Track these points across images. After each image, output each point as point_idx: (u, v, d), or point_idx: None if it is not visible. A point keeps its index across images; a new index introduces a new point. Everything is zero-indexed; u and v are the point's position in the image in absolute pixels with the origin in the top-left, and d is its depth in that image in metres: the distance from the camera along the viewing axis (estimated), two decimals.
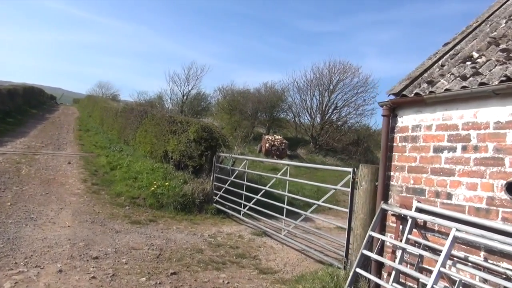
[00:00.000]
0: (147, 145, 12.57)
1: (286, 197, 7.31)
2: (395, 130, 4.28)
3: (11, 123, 22.61)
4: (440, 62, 4.23)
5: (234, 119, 37.09)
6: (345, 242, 5.08)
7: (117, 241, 6.02)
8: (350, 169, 5.08)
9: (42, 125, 24.86)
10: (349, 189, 5.08)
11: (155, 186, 9.35)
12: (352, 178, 5.07)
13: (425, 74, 4.16)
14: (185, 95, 47.45)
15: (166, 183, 9.48)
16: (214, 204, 9.33)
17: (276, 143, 29.95)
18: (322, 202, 6.13)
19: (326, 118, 38.26)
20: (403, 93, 4.07)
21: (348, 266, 4.87)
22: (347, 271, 4.84)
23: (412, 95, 3.97)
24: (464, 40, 4.37)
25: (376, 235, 4.06)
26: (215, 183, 9.55)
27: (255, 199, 7.82)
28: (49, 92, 63.71)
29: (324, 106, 38.42)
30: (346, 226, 5.39)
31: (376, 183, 4.55)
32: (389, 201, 4.23)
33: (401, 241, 3.87)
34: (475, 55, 3.86)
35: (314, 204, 6.60)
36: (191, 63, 64.50)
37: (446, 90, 3.61)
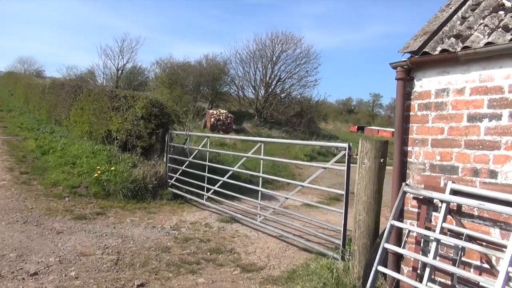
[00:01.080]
0: (84, 125, 10.99)
1: (260, 178, 6.42)
2: (412, 97, 3.56)
3: None
4: (459, 14, 3.52)
5: (175, 94, 35.24)
6: (342, 229, 4.37)
7: (60, 245, 4.81)
8: (345, 145, 4.30)
9: None
10: (344, 168, 4.31)
11: (98, 172, 8.05)
12: (348, 154, 4.30)
13: (445, 28, 3.44)
14: (120, 69, 44.33)
15: (112, 168, 8.21)
16: (170, 189, 8.26)
17: (221, 117, 28.88)
18: (308, 183, 5.34)
19: (270, 90, 37.68)
20: (424, 50, 3.32)
21: (348, 257, 4.19)
22: (346, 262, 4.17)
23: (437, 52, 3.24)
24: None
25: (399, 224, 3.35)
26: (169, 164, 8.45)
27: (221, 181, 6.88)
28: None
29: (267, 78, 37.74)
30: (337, 210, 4.69)
31: (381, 160, 3.84)
32: (407, 182, 3.54)
33: (429, 229, 3.20)
34: (507, 3, 3.19)
35: (292, 183, 5.83)
36: (124, 35, 60.06)
37: (488, 44, 2.90)
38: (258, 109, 36.87)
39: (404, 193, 3.41)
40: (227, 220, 6.85)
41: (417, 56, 3.40)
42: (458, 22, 3.44)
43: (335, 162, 4.83)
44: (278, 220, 6.01)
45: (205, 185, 7.30)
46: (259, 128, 32.74)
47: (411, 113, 3.60)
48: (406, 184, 3.43)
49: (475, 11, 3.43)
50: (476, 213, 3.03)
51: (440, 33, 3.43)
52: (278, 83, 38.12)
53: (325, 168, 4.81)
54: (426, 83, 3.45)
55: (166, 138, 8.52)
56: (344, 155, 4.37)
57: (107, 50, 42.62)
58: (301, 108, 39.37)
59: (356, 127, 57.02)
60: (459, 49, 3.11)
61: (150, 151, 8.82)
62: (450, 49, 3.16)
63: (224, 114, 29.00)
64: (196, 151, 7.68)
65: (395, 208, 3.35)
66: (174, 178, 8.22)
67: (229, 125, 28.82)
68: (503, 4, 3.24)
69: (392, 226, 3.32)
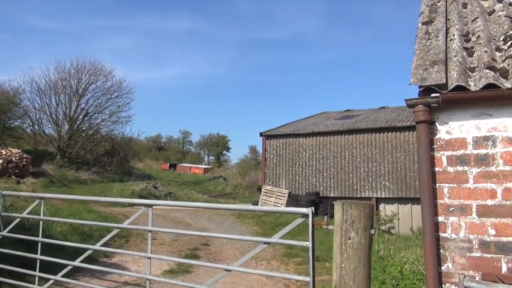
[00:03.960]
0: None
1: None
2: (436, 146, 2.70)
3: None
4: (456, 43, 2.91)
5: None
6: None
7: None
8: (305, 210, 3.09)
9: None
10: (306, 244, 3.09)
11: None
12: (311, 222, 3.07)
13: (457, 58, 2.76)
14: None
15: None
16: None
17: (14, 159, 23.22)
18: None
19: (75, 126, 33.15)
20: (459, 83, 2.52)
21: None
22: None
23: (478, 87, 2.48)
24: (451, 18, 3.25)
25: None
26: None
27: (69, 267, 4.57)
28: None
29: (72, 112, 33.19)
30: None
31: (372, 232, 2.82)
32: (443, 267, 2.58)
33: None
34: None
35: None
36: None
37: None
38: (61, 147, 31.72)
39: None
40: None
41: (450, 92, 2.57)
42: (465, 53, 2.83)
43: None
44: None
45: (37, 273, 4.78)
46: (64, 169, 27.97)
47: (437, 169, 2.74)
48: (465, 276, 2.43)
49: (480, 40, 2.88)
50: None
51: (454, 65, 2.73)
52: (86, 118, 34.02)
53: (268, 243, 3.46)
54: (457, 129, 2.68)
55: None
56: (304, 224, 3.16)
57: None
58: (112, 146, 36.00)
59: (168, 164, 56.12)
60: (509, 85, 2.44)
61: None
62: (497, 83, 2.46)
63: (17, 155, 23.44)
64: (17, 220, 5.07)
65: None
66: None
67: (24, 167, 23.40)
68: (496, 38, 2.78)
69: None
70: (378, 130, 18.95)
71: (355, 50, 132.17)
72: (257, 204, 20.51)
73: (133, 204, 14.74)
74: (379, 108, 26.07)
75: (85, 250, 4.65)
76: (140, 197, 22.70)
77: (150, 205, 3.81)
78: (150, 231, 3.87)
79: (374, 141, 18.98)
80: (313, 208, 3.11)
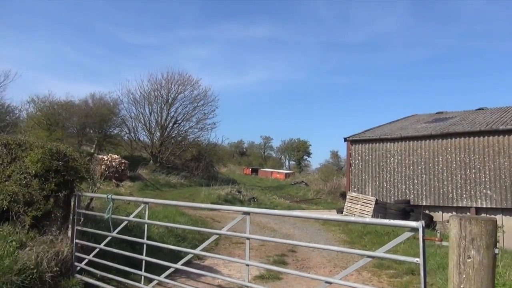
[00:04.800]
0: None
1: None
2: None
3: None
4: None
5: (55, 136, 30.53)
6: None
7: None
8: (415, 223, 2.87)
9: None
10: (417, 260, 2.87)
11: None
12: (422, 239, 2.86)
13: None
14: None
15: None
16: (79, 276, 5.82)
17: (114, 164, 25.50)
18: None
19: (166, 133, 35.42)
20: None
21: None
22: None
23: None
24: None
25: None
26: (77, 241, 6.02)
27: (171, 269, 4.83)
28: None
29: (163, 120, 35.54)
30: None
31: (496, 251, 2.52)
32: None
33: None
34: None
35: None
36: None
37: None
38: (153, 153, 34.14)
39: None
40: None
41: None
42: None
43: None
44: None
45: (143, 273, 5.14)
46: (156, 174, 30.02)
47: None
48: None
49: None
50: None
51: None
52: (175, 126, 36.18)
53: (373, 257, 3.31)
54: None
55: (73, 203, 6.13)
56: (395, 234, 2.94)
57: None
58: (198, 152, 37.78)
59: (250, 169, 57.27)
60: None
61: (46, 221, 6.27)
62: None
63: (117, 160, 25.73)
64: (125, 223, 5.51)
65: None
66: (86, 260, 5.82)
67: (123, 172, 25.60)
68: None
69: None
70: (477, 134, 17.28)
71: (442, 48, 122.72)
72: (341, 212, 19.96)
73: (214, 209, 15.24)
74: (477, 109, 23.81)
75: (180, 251, 4.88)
76: (226, 201, 23.47)
77: (248, 213, 3.85)
78: (248, 238, 3.91)
79: (473, 145, 17.35)
80: (423, 222, 2.86)
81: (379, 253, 3.15)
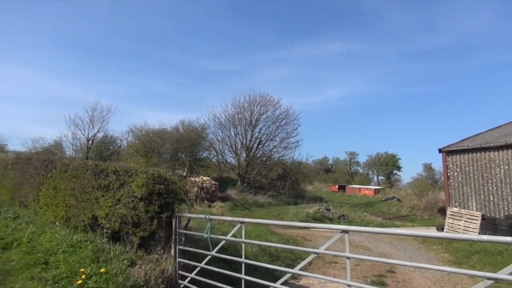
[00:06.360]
0: (59, 209, 8.82)
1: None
2: None
3: None
4: None
5: (152, 162, 33.09)
6: None
7: None
8: None
9: None
10: None
11: (83, 277, 5.89)
12: None
13: None
14: (90, 139, 41.98)
15: (102, 270, 6.05)
16: None
17: (205, 185, 26.74)
18: None
19: (251, 154, 36.33)
20: None
21: None
22: None
23: None
24: None
25: None
26: (179, 259, 6.37)
27: None
28: None
29: (248, 141, 36.57)
30: None
31: None
32: None
33: None
34: None
35: None
36: (95, 104, 58.47)
37: None
38: (240, 174, 35.16)
39: None
40: None
41: None
42: None
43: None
44: None
45: None
46: (244, 194, 30.78)
47: None
48: None
49: None
50: None
51: None
52: (259, 146, 36.95)
53: (494, 279, 2.99)
54: None
55: (174, 224, 6.52)
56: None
57: (76, 120, 40.47)
58: (284, 171, 38.00)
59: (337, 186, 55.93)
60: None
61: (151, 241, 6.75)
62: None
63: (208, 182, 26.93)
64: (223, 242, 5.70)
65: None
66: (189, 278, 6.11)
67: (214, 193, 26.67)
68: None
69: None
70: None
71: None
72: (442, 229, 18.40)
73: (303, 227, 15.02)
74: None
75: (275, 270, 4.87)
76: (314, 219, 23.12)
77: (346, 231, 3.73)
78: (348, 258, 3.78)
79: None
80: None
81: (503, 275, 2.81)
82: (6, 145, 55.21)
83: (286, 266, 7.94)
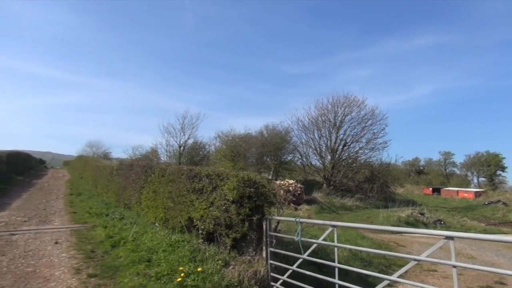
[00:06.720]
0: (159, 211, 9.52)
1: None
2: None
3: None
4: None
5: (238, 166, 34.20)
6: None
7: None
8: None
9: (28, 193, 21.68)
10: None
11: (182, 275, 6.25)
12: None
13: None
14: (182, 146, 44.75)
15: (199, 269, 6.38)
16: None
17: (291, 188, 26.84)
18: None
19: (336, 156, 35.60)
20: None
21: None
22: None
23: None
24: None
25: None
26: (271, 262, 6.45)
27: None
28: (38, 157, 60.51)
29: (333, 143, 35.90)
30: None
31: None
32: None
33: None
34: None
35: None
36: (185, 112, 62.24)
37: None
38: (326, 176, 34.66)
39: None
40: None
41: None
42: None
43: None
44: None
45: None
46: (331, 197, 30.24)
47: None
48: None
49: None
50: None
51: None
52: (345, 148, 36.03)
53: None
54: None
55: (264, 226, 6.64)
56: None
57: (169, 128, 43.55)
58: (371, 173, 36.57)
59: (431, 189, 52.22)
60: None
61: (243, 243, 6.95)
62: None
63: (293, 185, 26.99)
64: (315, 245, 5.66)
65: None
66: (281, 281, 6.16)
67: (299, 196, 26.66)
68: None
69: None
70: None
71: None
72: None
73: (401, 232, 14.21)
74: None
75: (368, 276, 4.66)
76: (407, 224, 21.85)
77: (451, 237, 3.45)
78: (454, 267, 3.49)
79: None
80: None
81: None
82: (110, 152, 61.39)
83: (379, 273, 7.60)
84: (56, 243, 9.64)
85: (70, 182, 29.96)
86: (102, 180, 20.41)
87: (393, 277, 4.33)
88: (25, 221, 12.88)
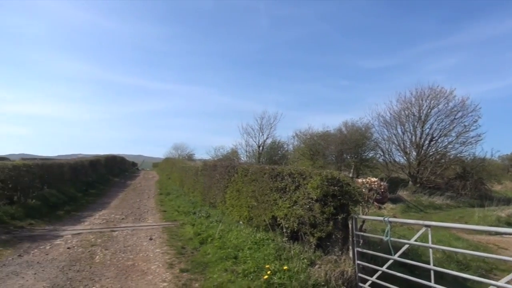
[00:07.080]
0: (242, 209, 9.79)
1: None
2: None
3: (93, 195, 21.65)
4: None
5: (318, 165, 33.80)
6: None
7: None
8: None
9: (124, 193, 23.70)
10: None
11: (268, 272, 6.34)
12: None
13: None
14: (261, 145, 45.52)
15: (285, 267, 6.43)
16: None
17: (373, 186, 25.86)
18: None
19: (422, 152, 33.44)
20: None
21: None
22: None
23: None
24: None
25: None
26: (358, 262, 6.28)
27: None
28: (131, 160, 65.97)
29: (418, 138, 33.78)
30: None
31: None
32: None
33: None
34: None
35: None
36: (263, 112, 63.19)
37: None
38: (411, 173, 32.75)
39: None
40: None
41: None
42: None
43: None
44: None
45: None
46: (417, 195, 28.48)
47: None
48: None
49: None
50: None
51: None
52: (431, 143, 33.67)
53: None
54: None
55: (350, 225, 6.49)
56: None
57: (248, 129, 44.60)
58: (463, 169, 33.71)
59: None
60: None
61: (327, 242, 6.85)
62: None
63: (376, 183, 25.93)
64: (406, 246, 5.40)
65: None
66: (369, 282, 5.97)
67: (383, 194, 25.51)
68: None
69: None
70: None
71: None
72: None
73: (505, 233, 12.86)
74: None
75: (466, 280, 4.26)
76: (508, 224, 19.81)
77: None
78: None
79: None
80: None
81: None
82: (193, 154, 64.62)
83: (479, 277, 7.00)
84: (151, 239, 10.38)
85: (159, 182, 32.10)
86: (188, 180, 21.55)
87: (501, 283, 3.94)
88: (122, 218, 14.07)
